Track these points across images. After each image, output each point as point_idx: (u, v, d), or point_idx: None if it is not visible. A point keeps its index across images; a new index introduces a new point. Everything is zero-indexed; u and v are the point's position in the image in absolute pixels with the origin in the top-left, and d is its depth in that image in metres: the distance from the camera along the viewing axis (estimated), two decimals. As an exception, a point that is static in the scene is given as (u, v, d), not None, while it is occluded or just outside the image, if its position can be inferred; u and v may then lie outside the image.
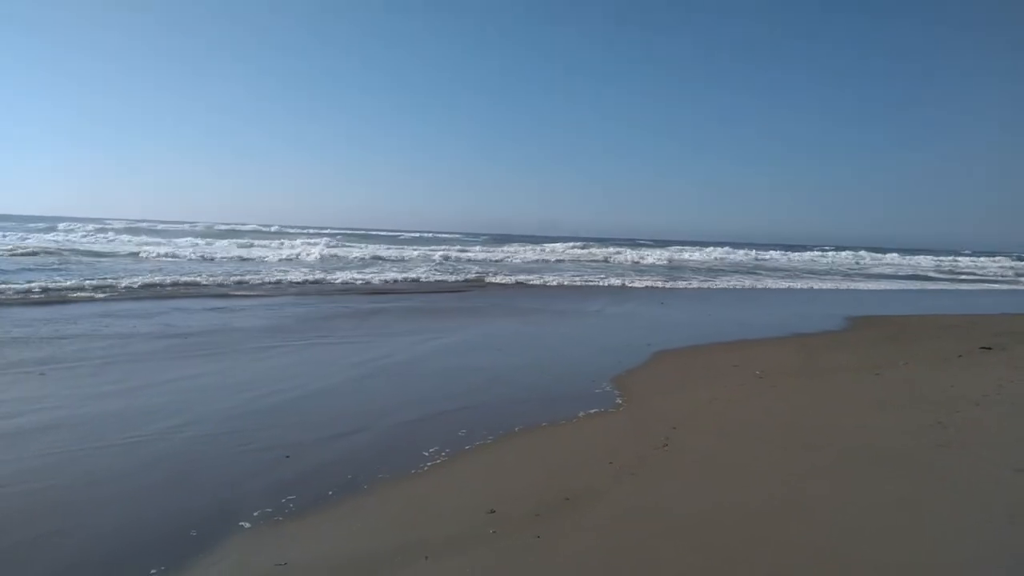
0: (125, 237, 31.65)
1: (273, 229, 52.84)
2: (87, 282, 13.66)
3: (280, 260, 24.01)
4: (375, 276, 19.00)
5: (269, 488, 3.99)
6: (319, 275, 18.02)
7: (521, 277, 21.16)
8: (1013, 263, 51.36)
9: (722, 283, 23.69)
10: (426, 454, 4.65)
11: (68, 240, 27.45)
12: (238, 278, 16.17)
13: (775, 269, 35.99)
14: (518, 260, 31.16)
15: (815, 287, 24.41)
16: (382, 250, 31.42)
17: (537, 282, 20.18)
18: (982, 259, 57.98)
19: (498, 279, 20.37)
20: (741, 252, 48.62)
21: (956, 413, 5.90)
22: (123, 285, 13.67)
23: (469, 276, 20.90)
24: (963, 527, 3.62)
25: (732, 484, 4.23)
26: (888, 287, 26.28)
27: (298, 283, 16.33)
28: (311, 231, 55.59)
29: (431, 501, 3.90)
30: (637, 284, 21.31)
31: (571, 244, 43.93)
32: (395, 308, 12.99)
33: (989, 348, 9.52)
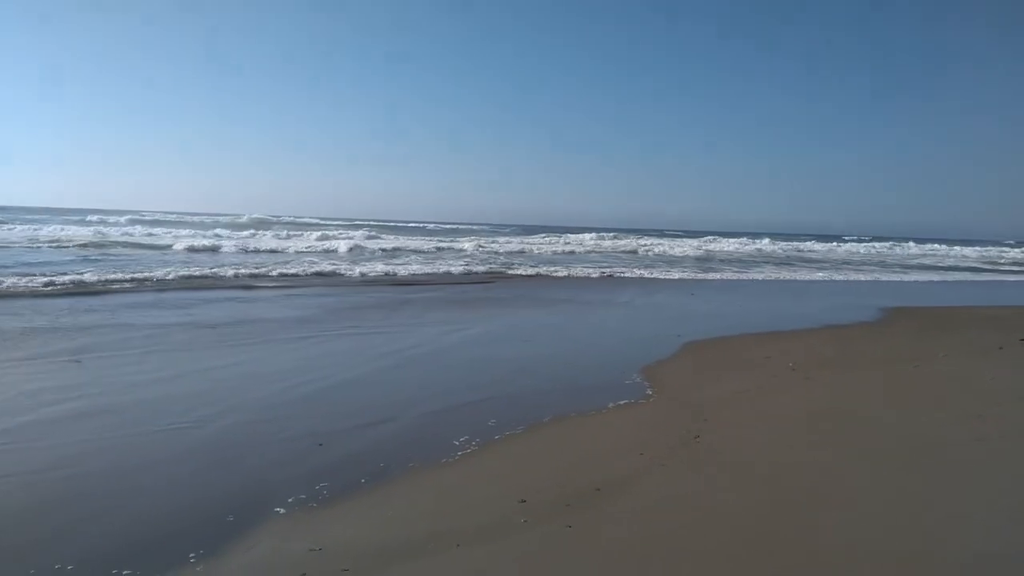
0: (161, 229, 32.30)
1: (308, 220, 53.54)
2: (129, 274, 13.98)
3: (312, 251, 24.27)
4: (403, 267, 19.13)
5: (303, 475, 4.05)
6: (350, 266, 18.19)
7: (548, 268, 21.12)
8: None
9: (755, 274, 23.37)
10: (456, 443, 4.67)
11: (107, 232, 28.09)
12: (270, 270, 16.43)
13: (811, 260, 35.41)
14: (546, 251, 31.10)
15: (851, 278, 23.95)
16: (412, 242, 31.64)
17: (564, 273, 20.12)
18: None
19: (525, 270, 20.35)
20: (776, 243, 47.92)
21: (996, 406, 5.75)
22: (161, 276, 13.96)
23: (496, 267, 20.92)
24: (1001, 522, 3.53)
25: (763, 476, 4.18)
26: (929, 278, 25.65)
27: (329, 274, 16.51)
28: (346, 223, 56.32)
29: (462, 490, 3.93)
30: (667, 275, 21.13)
31: (600, 234, 43.73)
32: (423, 299, 13.06)
33: (1032, 340, 9.24)
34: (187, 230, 32.72)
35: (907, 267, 32.59)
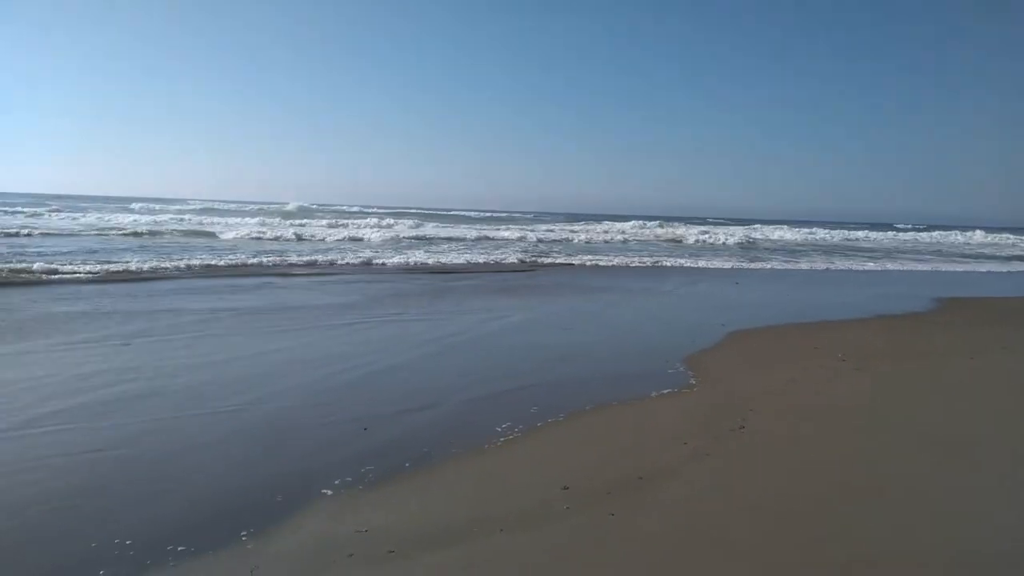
0: (206, 218, 33.14)
1: (353, 209, 54.28)
2: (177, 261, 14.41)
3: (356, 240, 24.59)
4: (445, 255, 19.27)
5: (349, 458, 4.13)
6: (392, 254, 18.41)
7: (590, 256, 21.00)
8: None
9: (804, 263, 22.80)
10: (498, 430, 4.70)
11: (158, 220, 28.97)
12: (315, 257, 16.75)
13: (862, 249, 34.40)
14: (588, 239, 30.90)
15: (905, 267, 23.20)
16: (454, 230, 31.78)
17: (606, 261, 19.98)
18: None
19: (567, 258, 20.28)
20: (826, 232, 46.69)
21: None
22: (209, 263, 14.36)
23: (538, 255, 20.89)
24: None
25: (810, 468, 4.10)
26: (989, 268, 24.64)
27: (371, 262, 16.72)
28: (391, 211, 57.04)
29: (504, 476, 3.95)
30: (711, 264, 20.79)
31: (644, 223, 43.22)
32: (464, 286, 13.14)
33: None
34: (234, 218, 33.53)
35: (965, 256, 31.37)
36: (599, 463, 4.15)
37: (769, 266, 21.40)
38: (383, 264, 16.56)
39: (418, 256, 18.62)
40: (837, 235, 44.99)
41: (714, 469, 4.07)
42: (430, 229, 31.62)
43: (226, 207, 53.53)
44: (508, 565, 2.94)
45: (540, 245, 26.07)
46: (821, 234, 44.82)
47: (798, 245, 35.70)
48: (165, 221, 29.05)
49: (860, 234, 47.40)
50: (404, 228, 30.79)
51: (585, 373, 6.50)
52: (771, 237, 40.35)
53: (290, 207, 51.12)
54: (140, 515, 3.37)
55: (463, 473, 3.99)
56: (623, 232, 37.17)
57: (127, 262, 13.90)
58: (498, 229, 34.33)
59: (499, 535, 3.18)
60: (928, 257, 29.53)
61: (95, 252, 16.11)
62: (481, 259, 18.92)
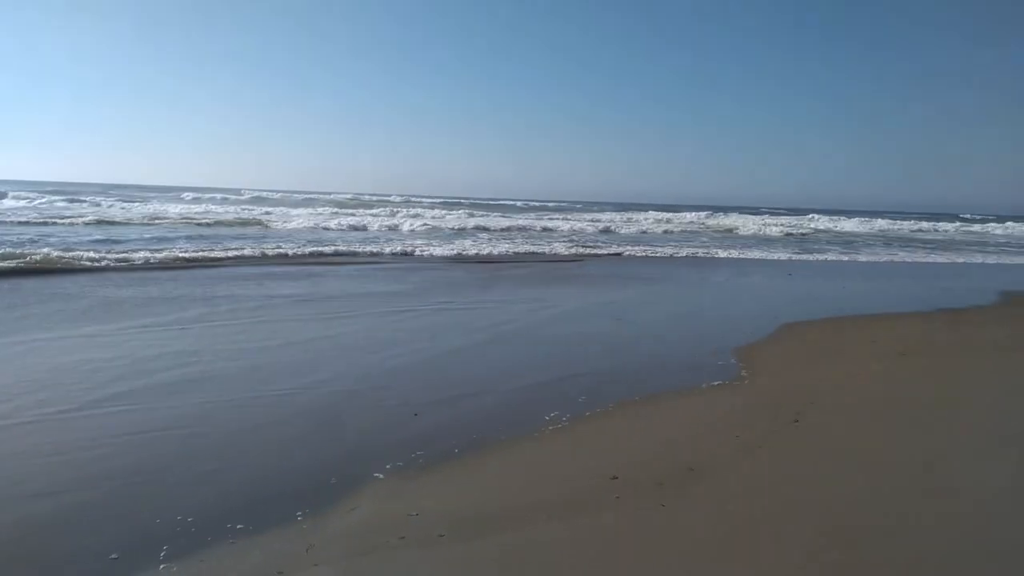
0: (257, 207, 34.01)
1: (412, 199, 54.90)
2: (233, 250, 14.84)
3: (410, 229, 24.82)
4: (495, 244, 19.33)
5: (400, 443, 4.20)
6: (441, 244, 18.56)
7: (640, 246, 20.75)
8: None
9: (863, 256, 22.06)
10: (547, 418, 4.70)
11: (211, 210, 29.87)
12: (368, 247, 17.02)
13: (927, 241, 33.08)
14: (639, 229, 30.55)
15: (973, 260, 22.23)
16: (504, 220, 31.76)
17: (655, 252, 19.72)
18: None
19: (617, 248, 20.10)
20: (889, 222, 45.05)
21: None
22: (264, 252, 14.73)
23: (588, 244, 20.77)
24: None
25: (867, 464, 3.98)
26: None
27: (423, 251, 16.87)
28: (446, 200, 57.58)
29: (553, 464, 3.96)
30: (764, 255, 20.32)
31: (696, 213, 42.51)
32: (513, 276, 13.17)
33: None
34: (284, 208, 34.30)
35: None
36: (648, 454, 4.11)
37: (825, 258, 20.77)
38: (432, 253, 16.69)
39: (467, 245, 18.72)
40: (901, 226, 43.41)
41: (767, 463, 3.99)
42: (480, 219, 31.72)
43: (276, 196, 54.76)
44: (557, 552, 2.95)
45: (591, 235, 25.93)
46: (883, 225, 43.30)
47: (857, 236, 34.55)
48: (219, 212, 29.87)
49: (926, 225, 45.57)
50: (453, 218, 30.99)
51: (634, 363, 6.45)
52: (828, 228, 39.18)
53: (341, 196, 51.97)
54: (200, 493, 3.50)
55: (512, 460, 4.02)
56: (670, 222, 36.62)
57: (186, 250, 14.41)
58: (551, 218, 34.29)
59: (548, 522, 3.19)
60: (996, 249, 28.18)
61: (155, 240, 16.71)
62: (529, 248, 18.91)
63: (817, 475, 3.82)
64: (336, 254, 15.66)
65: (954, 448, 4.28)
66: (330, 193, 67.14)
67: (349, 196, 53.22)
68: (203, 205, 34.58)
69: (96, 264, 12.04)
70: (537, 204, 64.63)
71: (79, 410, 4.59)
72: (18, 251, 12.13)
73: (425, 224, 26.80)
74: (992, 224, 51.42)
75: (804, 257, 20.48)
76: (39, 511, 3.24)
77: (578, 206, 67.26)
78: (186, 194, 47.95)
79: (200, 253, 14.05)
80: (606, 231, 28.32)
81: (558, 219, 33.83)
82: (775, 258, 19.77)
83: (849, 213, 61.51)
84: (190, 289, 9.79)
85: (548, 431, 4.49)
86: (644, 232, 29.59)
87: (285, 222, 25.18)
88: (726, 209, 64.42)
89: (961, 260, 22.03)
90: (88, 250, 13.19)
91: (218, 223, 24.30)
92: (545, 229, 27.49)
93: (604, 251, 19.42)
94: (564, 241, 21.76)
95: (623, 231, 29.25)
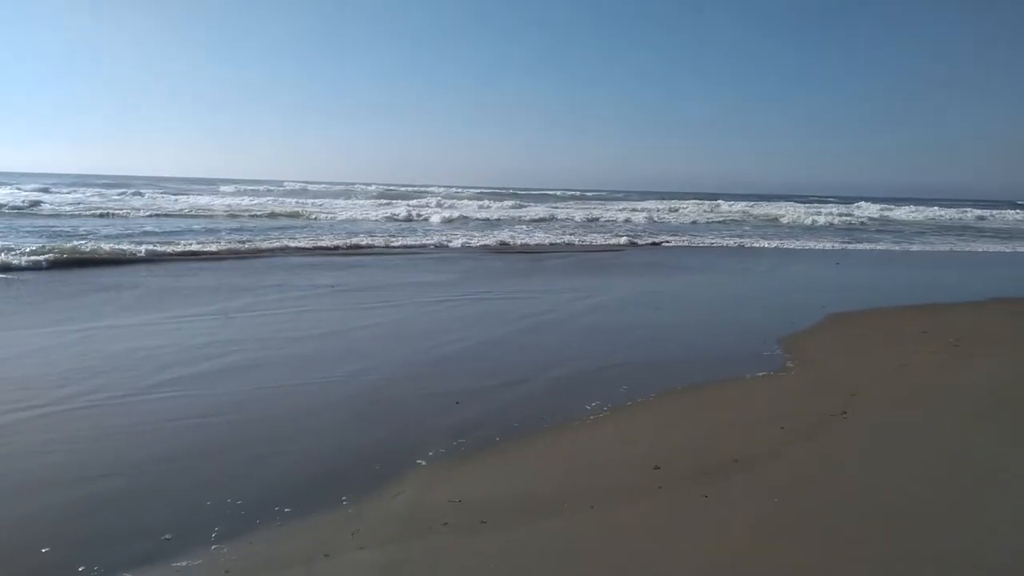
0: (303, 200, 34.58)
1: (453, 191, 55.23)
2: (275, 242, 15.14)
3: (444, 221, 24.96)
4: (537, 234, 19.30)
5: (442, 430, 4.24)
6: (484, 234, 18.62)
7: (682, 236, 20.48)
8: None
9: (916, 245, 21.34)
10: (588, 408, 4.69)
11: (255, 203, 30.49)
12: (410, 238, 17.20)
13: (984, 229, 31.81)
14: (682, 219, 30.14)
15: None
16: (547, 209, 31.63)
17: (698, 241, 19.45)
18: None
19: (660, 238, 19.87)
20: (944, 210, 43.43)
21: None
22: (306, 244, 15.00)
23: (630, 234, 20.58)
24: None
25: (918, 456, 3.87)
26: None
27: (462, 243, 16.93)
28: (492, 191, 57.81)
29: (594, 452, 3.94)
30: (811, 244, 19.83)
31: (740, 202, 41.70)
32: (555, 265, 13.13)
33: None
34: (323, 199, 34.82)
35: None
36: (691, 444, 4.07)
37: (875, 247, 20.18)
38: (471, 243, 16.74)
39: (506, 235, 18.72)
40: (956, 214, 41.82)
41: (814, 455, 3.91)
42: (520, 210, 31.67)
43: (317, 187, 55.61)
44: (599, 541, 2.94)
45: (629, 224, 25.67)
46: (938, 212, 41.81)
47: (908, 224, 33.46)
48: (263, 203, 30.46)
49: (984, 212, 43.78)
50: (495, 208, 31.02)
51: (676, 353, 6.39)
52: (878, 216, 38.02)
53: (382, 187, 52.50)
54: (249, 477, 3.59)
55: (553, 449, 4.02)
56: (713, 211, 36.01)
57: (232, 240, 14.76)
58: (598, 207, 34.08)
59: (590, 511, 3.19)
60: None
61: (202, 232, 17.15)
62: (569, 239, 18.82)
63: (866, 468, 3.73)
64: (377, 245, 15.83)
65: (1007, 440, 4.12)
66: (371, 184, 67.92)
67: (390, 187, 53.67)
68: (248, 198, 35.35)
69: (143, 255, 12.23)
70: (577, 194, 64.30)
71: (131, 396, 4.75)
72: (69, 244, 12.36)
73: (464, 216, 26.88)
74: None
75: (854, 246, 19.92)
76: (96, 492, 3.37)
77: (619, 195, 66.71)
78: (225, 186, 48.99)
79: (247, 244, 14.38)
80: (647, 221, 28.00)
81: (599, 208, 33.61)
82: (822, 247, 19.28)
83: (899, 201, 59.63)
84: (237, 279, 10.03)
85: (589, 420, 4.48)
86: (694, 222, 29.16)
87: (327, 213, 25.53)
88: (770, 198, 63.07)
89: (1022, 249, 21.14)
90: (142, 243, 13.60)
91: (266, 215, 24.79)
92: (587, 219, 27.32)
93: (645, 241, 19.22)
94: (603, 232, 21.60)
95: (665, 220, 28.88)
